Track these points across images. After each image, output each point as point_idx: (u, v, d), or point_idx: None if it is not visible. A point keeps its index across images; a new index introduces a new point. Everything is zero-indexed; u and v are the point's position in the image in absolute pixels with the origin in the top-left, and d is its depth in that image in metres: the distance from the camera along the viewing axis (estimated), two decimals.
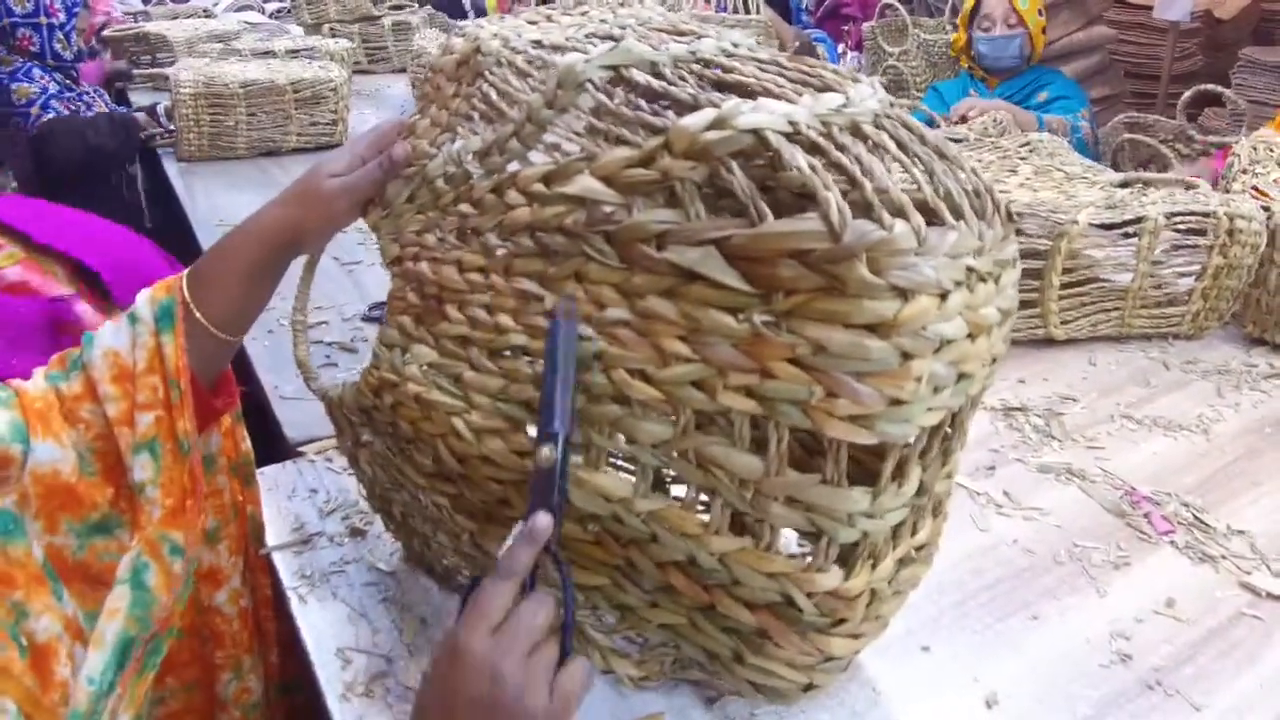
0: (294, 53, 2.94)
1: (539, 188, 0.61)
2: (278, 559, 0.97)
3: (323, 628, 0.88)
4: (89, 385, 0.75)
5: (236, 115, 2.42)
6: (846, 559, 0.59)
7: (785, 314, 0.52)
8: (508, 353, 0.66)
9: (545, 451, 0.60)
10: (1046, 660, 0.84)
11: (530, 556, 0.59)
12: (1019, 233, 1.41)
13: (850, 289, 0.50)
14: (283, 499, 1.07)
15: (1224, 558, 0.97)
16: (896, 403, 0.52)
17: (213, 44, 3.16)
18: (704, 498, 0.61)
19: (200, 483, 0.78)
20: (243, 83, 2.41)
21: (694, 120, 0.53)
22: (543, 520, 0.60)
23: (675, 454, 0.59)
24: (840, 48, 3.44)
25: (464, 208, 0.68)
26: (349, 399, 0.79)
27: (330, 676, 0.83)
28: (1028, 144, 1.71)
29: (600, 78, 0.61)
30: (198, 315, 0.76)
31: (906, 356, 0.51)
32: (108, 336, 0.77)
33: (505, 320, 0.65)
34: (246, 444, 0.93)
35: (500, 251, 0.65)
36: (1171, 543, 1.00)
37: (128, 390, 0.75)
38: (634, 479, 0.62)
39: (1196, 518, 1.03)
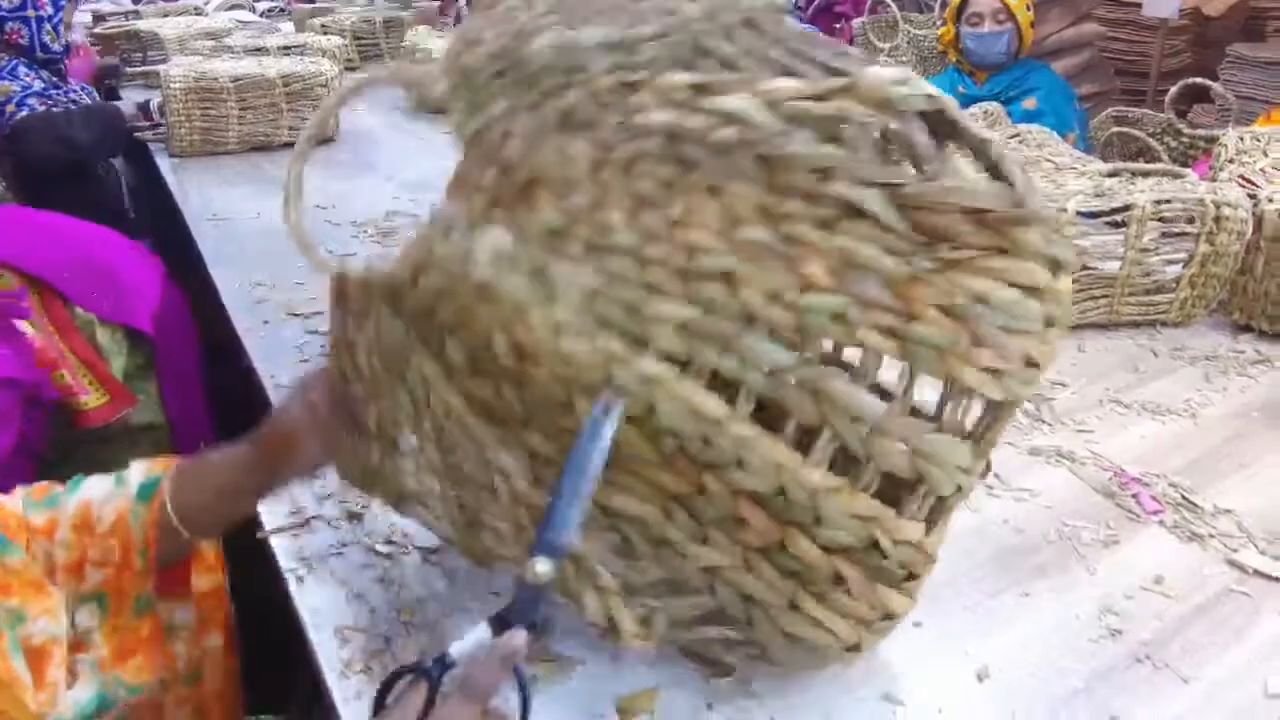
0: (286, 49, 2.95)
1: (685, 95, 0.59)
2: (275, 542, 0.97)
3: (321, 608, 0.88)
4: (51, 524, 0.78)
5: (227, 110, 2.42)
6: (931, 513, 0.59)
7: (950, 264, 0.55)
8: (608, 252, 0.60)
9: (540, 567, 0.56)
10: (1037, 635, 0.85)
11: (501, 678, 0.56)
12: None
13: (1023, 252, 0.54)
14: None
15: (1211, 536, 0.98)
16: (1031, 364, 0.56)
17: (204, 41, 3.15)
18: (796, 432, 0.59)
19: (162, 636, 0.80)
20: (233, 77, 2.41)
21: (884, 72, 0.55)
22: (519, 640, 0.57)
23: (792, 381, 0.57)
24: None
25: (572, 96, 0.62)
26: (376, 280, 0.71)
27: (329, 655, 0.83)
28: (1016, 135, 1.73)
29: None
30: (170, 511, 0.78)
31: (1049, 324, 0.55)
32: (91, 488, 0.80)
33: (613, 218, 0.59)
34: (229, 606, 0.92)
35: (621, 149, 0.60)
36: (1160, 522, 1.01)
37: (83, 543, 0.78)
38: (736, 402, 0.59)
39: (1184, 498, 1.04)
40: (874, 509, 0.56)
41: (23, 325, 1.39)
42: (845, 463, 0.57)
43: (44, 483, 0.81)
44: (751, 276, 0.57)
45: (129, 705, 0.77)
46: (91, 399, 1.47)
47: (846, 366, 0.62)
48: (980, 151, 0.57)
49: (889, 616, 0.60)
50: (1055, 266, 0.55)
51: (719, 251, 0.58)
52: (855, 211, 0.56)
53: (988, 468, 0.64)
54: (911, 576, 0.59)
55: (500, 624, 0.58)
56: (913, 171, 0.56)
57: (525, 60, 0.65)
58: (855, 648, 0.63)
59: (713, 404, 0.58)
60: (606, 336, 0.59)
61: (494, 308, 0.62)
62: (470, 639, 0.57)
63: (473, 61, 0.67)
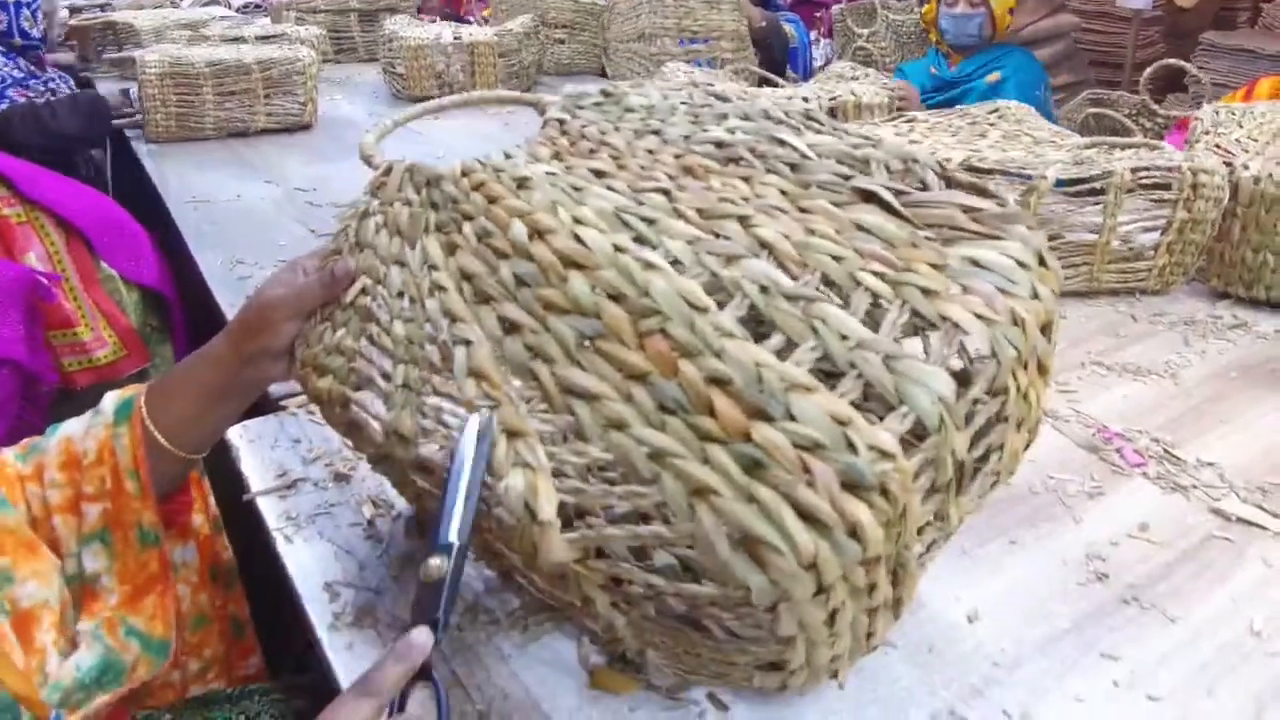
0: (263, 39, 2.93)
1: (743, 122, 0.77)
2: (262, 504, 0.97)
3: (309, 564, 0.88)
4: (38, 469, 0.77)
5: (204, 95, 2.40)
6: (906, 447, 0.57)
7: (947, 241, 0.63)
8: (642, 192, 0.70)
9: (436, 562, 0.58)
10: (1025, 580, 0.86)
11: (400, 676, 0.56)
12: (998, 200, 1.43)
13: (1013, 237, 0.62)
14: (265, 449, 1.07)
15: (1194, 487, 0.99)
16: (1016, 322, 0.59)
17: (181, 31, 3.14)
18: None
19: (170, 573, 0.79)
20: (209, 62, 2.40)
21: (895, 140, 0.65)
22: (420, 637, 0.57)
23: (784, 299, 0.59)
24: (813, 34, 3.47)
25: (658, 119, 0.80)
26: (422, 168, 0.78)
27: (319, 610, 0.83)
28: (995, 110, 1.74)
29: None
30: (150, 425, 0.77)
31: (1036, 295, 0.60)
32: (69, 426, 0.79)
33: (656, 174, 0.72)
34: (228, 553, 0.93)
35: (681, 150, 0.75)
36: (1144, 474, 1.02)
37: (74, 478, 0.76)
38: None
39: (1167, 452, 1.06)
40: (850, 414, 0.54)
41: (57, 290, 1.40)
42: (826, 378, 0.57)
43: (27, 438, 0.81)
44: (765, 223, 0.64)
45: (144, 684, 0.76)
46: (108, 352, 1.48)
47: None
48: (976, 186, 0.67)
49: (855, 534, 0.53)
50: (1040, 259, 0.62)
51: (740, 207, 0.66)
52: (868, 198, 0.66)
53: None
54: (884, 493, 0.54)
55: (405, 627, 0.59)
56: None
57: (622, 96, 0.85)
58: (811, 569, 0.53)
59: (705, 297, 0.59)
60: (622, 236, 0.64)
61: (526, 196, 0.70)
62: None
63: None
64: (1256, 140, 1.55)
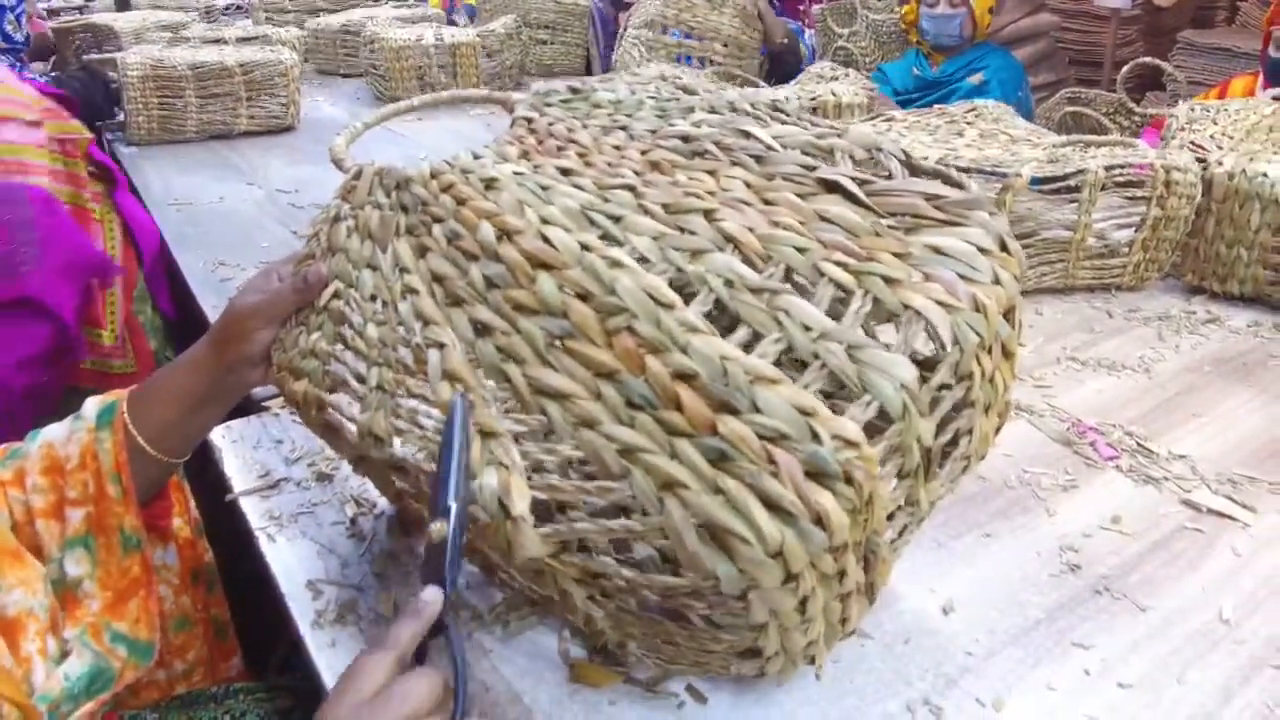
0: (245, 40, 2.93)
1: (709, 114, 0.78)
2: (245, 504, 0.97)
3: (292, 563, 0.89)
4: (19, 474, 0.77)
5: (186, 97, 2.40)
6: (872, 434, 0.58)
7: (910, 230, 0.64)
8: (610, 189, 0.71)
9: (437, 525, 0.59)
10: (999, 572, 0.87)
11: (414, 631, 0.58)
12: (961, 187, 1.45)
13: (974, 223, 0.64)
14: (248, 450, 1.07)
15: (1166, 479, 1.01)
16: (978, 308, 0.60)
17: (161, 33, 3.13)
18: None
19: (152, 576, 0.79)
20: (191, 64, 2.39)
21: (865, 127, 0.72)
22: (431, 594, 0.59)
23: (748, 293, 0.60)
24: (807, 33, 3.48)
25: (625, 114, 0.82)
26: (391, 171, 0.78)
27: (301, 607, 0.83)
28: (973, 109, 1.76)
29: None
30: (132, 430, 0.77)
31: (998, 281, 0.62)
32: (50, 431, 0.79)
33: (622, 172, 0.73)
34: (209, 555, 0.93)
35: (647, 146, 0.76)
36: (1116, 467, 1.03)
37: (57, 483, 0.77)
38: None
39: (1140, 445, 1.07)
40: (814, 404, 0.55)
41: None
42: (790, 367, 0.58)
43: (4, 444, 0.81)
44: (730, 216, 0.65)
45: (127, 685, 0.76)
46: (123, 365, 1.49)
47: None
48: (940, 173, 0.69)
49: (820, 522, 0.54)
50: (1001, 245, 0.64)
51: (705, 201, 0.67)
52: (832, 188, 0.67)
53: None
54: (849, 481, 0.55)
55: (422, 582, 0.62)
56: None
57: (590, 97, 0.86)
58: (776, 556, 0.55)
59: (671, 293, 0.60)
60: (589, 234, 0.65)
61: (494, 196, 0.70)
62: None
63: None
64: (1231, 137, 1.57)
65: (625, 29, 2.94)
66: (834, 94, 2.04)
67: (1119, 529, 0.93)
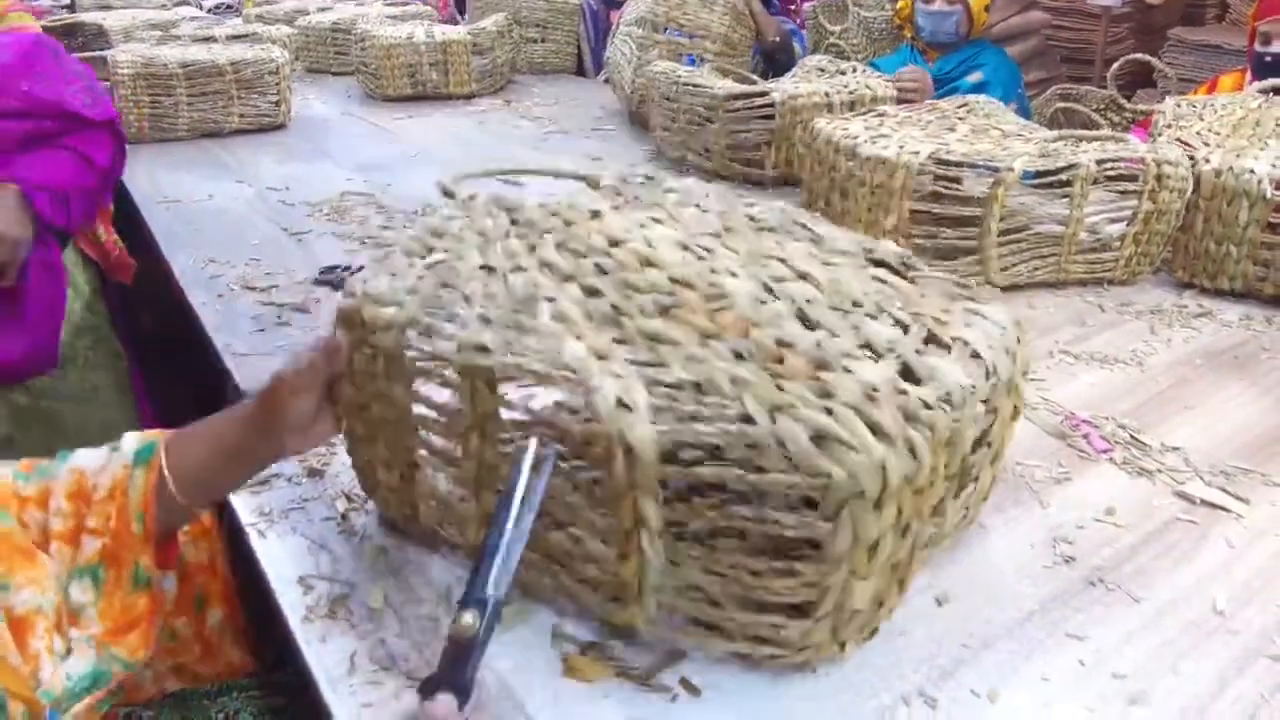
0: (235, 38, 2.91)
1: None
2: (235, 499, 0.96)
3: (283, 558, 0.88)
4: (44, 493, 0.77)
5: (177, 96, 2.39)
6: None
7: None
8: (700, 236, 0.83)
9: (467, 619, 0.55)
10: (993, 564, 0.87)
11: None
12: (957, 181, 1.46)
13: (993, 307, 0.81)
14: None
15: (1160, 471, 1.01)
16: (1008, 353, 0.76)
17: (151, 32, 3.11)
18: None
19: (158, 612, 0.79)
20: (182, 63, 2.38)
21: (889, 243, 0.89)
22: (444, 708, 0.54)
23: (827, 310, 0.73)
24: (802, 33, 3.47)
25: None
26: (524, 209, 0.89)
27: (292, 603, 0.83)
28: (965, 105, 1.76)
29: None
30: (166, 473, 0.77)
31: (1019, 342, 0.79)
32: (82, 457, 0.79)
33: (710, 228, 0.86)
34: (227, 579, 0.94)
35: (720, 218, 0.89)
36: (1110, 460, 1.03)
37: (79, 510, 0.77)
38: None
39: (1133, 437, 1.07)
40: (895, 376, 0.67)
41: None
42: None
43: (28, 459, 0.80)
44: (801, 263, 0.80)
45: (121, 680, 0.76)
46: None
47: None
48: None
49: (913, 453, 0.63)
50: (1017, 324, 0.81)
51: (779, 251, 0.81)
52: (880, 264, 0.84)
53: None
54: (932, 429, 0.65)
55: (429, 688, 0.57)
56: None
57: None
58: (880, 469, 0.62)
59: (767, 294, 0.74)
60: (687, 255, 0.80)
61: (600, 222, 0.85)
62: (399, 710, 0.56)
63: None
64: (1217, 133, 1.58)
65: (617, 26, 2.94)
66: (868, 87, 2.05)
67: (1113, 521, 0.93)
